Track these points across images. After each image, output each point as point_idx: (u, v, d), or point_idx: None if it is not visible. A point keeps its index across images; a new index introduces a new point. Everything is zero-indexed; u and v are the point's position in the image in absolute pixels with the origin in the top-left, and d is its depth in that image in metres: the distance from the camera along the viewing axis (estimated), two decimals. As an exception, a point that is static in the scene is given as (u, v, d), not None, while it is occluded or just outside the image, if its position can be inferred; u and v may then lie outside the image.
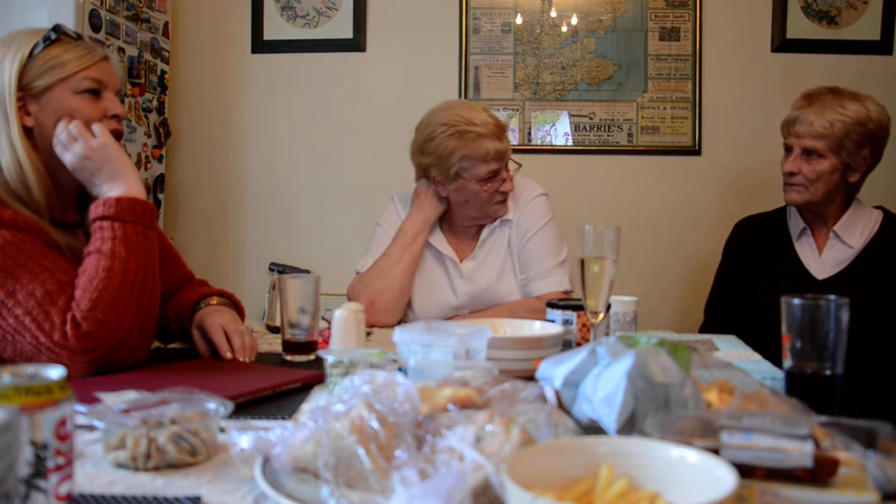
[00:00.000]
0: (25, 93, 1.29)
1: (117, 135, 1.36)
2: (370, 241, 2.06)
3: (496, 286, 1.97)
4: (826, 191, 1.87)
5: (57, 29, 1.32)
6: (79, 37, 1.36)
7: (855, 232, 1.91)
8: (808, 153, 1.86)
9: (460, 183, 1.90)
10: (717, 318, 2.05)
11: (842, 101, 1.84)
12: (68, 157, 1.29)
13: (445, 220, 2.04)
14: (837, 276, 1.89)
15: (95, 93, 1.34)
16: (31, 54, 1.29)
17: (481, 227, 2.01)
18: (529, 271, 1.96)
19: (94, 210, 1.29)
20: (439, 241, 2.00)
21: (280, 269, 2.84)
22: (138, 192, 1.32)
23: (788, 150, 1.92)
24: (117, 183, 1.30)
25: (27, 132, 1.30)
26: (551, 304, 1.48)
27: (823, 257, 1.93)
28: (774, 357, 1.02)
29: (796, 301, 0.95)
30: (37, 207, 1.30)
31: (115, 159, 1.31)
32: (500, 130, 1.90)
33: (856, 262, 1.90)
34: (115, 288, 1.22)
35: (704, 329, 2.06)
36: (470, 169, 1.88)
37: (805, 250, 1.95)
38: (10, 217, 1.23)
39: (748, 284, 2.00)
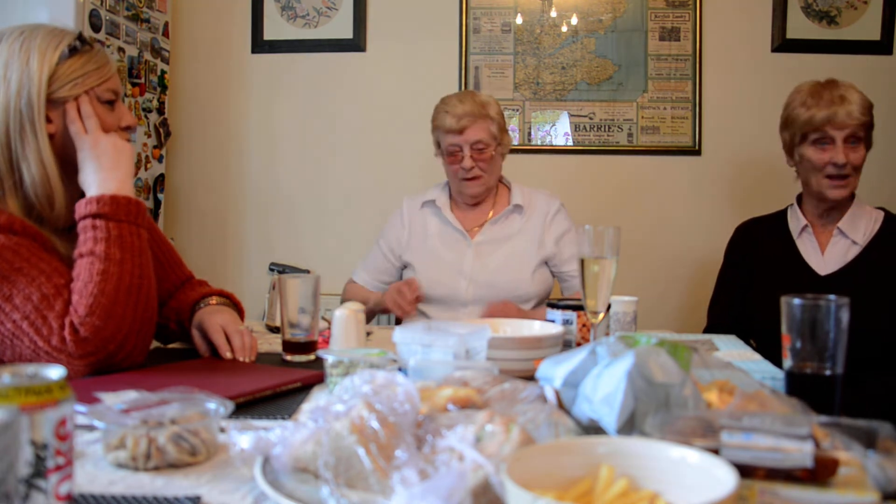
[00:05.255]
0: (48, 100, 1.27)
1: None
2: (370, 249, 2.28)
3: (504, 267, 2.08)
4: (858, 177, 1.91)
5: (81, 38, 1.31)
6: (91, 44, 1.35)
7: (859, 229, 1.93)
8: (851, 141, 1.87)
9: (441, 154, 2.18)
10: (721, 319, 2.05)
11: (848, 89, 1.88)
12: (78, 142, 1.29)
13: (453, 196, 2.23)
14: (840, 272, 1.91)
15: (111, 103, 1.35)
16: (57, 62, 1.27)
17: (486, 209, 2.19)
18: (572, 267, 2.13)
19: (86, 206, 1.26)
20: (447, 211, 2.17)
21: (280, 269, 2.84)
22: (129, 190, 1.31)
23: (824, 141, 1.88)
24: (110, 178, 1.28)
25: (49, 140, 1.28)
26: (551, 304, 1.49)
27: (826, 254, 1.94)
28: (781, 357, 1.02)
29: (796, 301, 0.95)
30: (55, 220, 1.30)
31: (112, 153, 1.29)
32: (468, 117, 2.08)
33: (859, 259, 1.91)
34: (112, 292, 1.21)
35: (708, 331, 2.06)
36: (440, 140, 2.16)
37: (807, 247, 1.96)
38: (6, 221, 1.21)
39: (752, 285, 2.01)
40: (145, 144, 2.66)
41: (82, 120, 1.30)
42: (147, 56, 2.66)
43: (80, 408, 0.85)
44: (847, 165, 1.87)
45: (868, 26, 2.77)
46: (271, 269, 2.90)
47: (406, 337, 1.15)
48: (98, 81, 1.32)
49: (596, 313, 1.30)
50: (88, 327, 1.18)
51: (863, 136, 1.88)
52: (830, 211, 1.95)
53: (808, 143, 1.91)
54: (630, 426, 0.77)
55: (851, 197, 1.96)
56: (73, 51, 1.29)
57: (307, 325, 1.43)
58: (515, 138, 2.88)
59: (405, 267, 2.19)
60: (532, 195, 2.18)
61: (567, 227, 2.16)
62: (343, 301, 2.09)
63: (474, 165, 2.10)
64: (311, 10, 2.92)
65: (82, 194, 1.30)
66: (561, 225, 2.15)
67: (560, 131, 2.88)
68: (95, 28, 2.33)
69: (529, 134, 2.89)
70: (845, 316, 0.93)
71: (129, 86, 2.55)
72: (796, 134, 1.93)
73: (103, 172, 1.28)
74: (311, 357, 1.42)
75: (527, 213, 2.15)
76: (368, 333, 1.66)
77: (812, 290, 0.98)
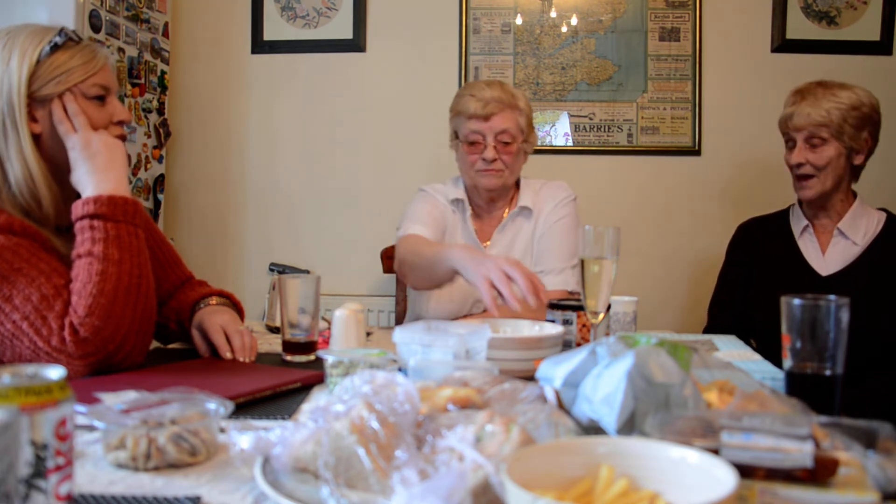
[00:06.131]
0: (32, 99, 1.27)
1: (121, 140, 1.35)
2: (408, 207, 2.04)
3: None
4: (836, 178, 1.90)
5: (63, 33, 1.29)
6: (79, 39, 1.34)
7: (859, 230, 1.93)
8: (812, 142, 1.88)
9: (458, 144, 2.00)
10: (722, 319, 2.06)
11: (832, 90, 1.89)
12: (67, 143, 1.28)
13: (472, 203, 2.06)
14: (841, 273, 1.91)
15: (101, 98, 1.33)
16: (38, 60, 1.26)
17: (500, 215, 2.03)
18: (542, 266, 1.96)
19: (83, 207, 1.25)
20: (468, 218, 2.03)
21: (280, 269, 2.84)
22: (125, 190, 1.30)
23: (791, 143, 1.95)
24: (106, 178, 1.27)
25: (35, 139, 1.27)
26: (551, 305, 1.49)
27: (827, 254, 1.95)
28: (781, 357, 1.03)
29: (796, 301, 0.95)
30: (45, 219, 1.29)
31: (105, 153, 1.28)
32: (496, 103, 1.90)
33: (860, 260, 1.91)
34: (111, 292, 1.20)
35: (708, 331, 2.06)
36: (459, 127, 1.98)
37: (808, 247, 1.97)
38: (6, 221, 1.21)
39: (752, 285, 2.01)
40: (145, 144, 2.66)
41: (70, 119, 1.28)
42: (147, 56, 2.66)
43: (80, 408, 0.85)
44: (806, 165, 1.89)
45: (868, 26, 2.77)
46: (271, 269, 2.91)
47: (406, 337, 1.15)
48: (83, 77, 1.30)
49: (596, 313, 1.30)
50: (88, 328, 1.18)
51: (826, 137, 1.87)
52: (825, 211, 1.96)
53: (785, 143, 1.97)
54: (630, 426, 0.77)
55: (853, 196, 1.97)
56: (54, 47, 1.27)
57: (307, 325, 1.43)
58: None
59: None
60: (542, 192, 2.01)
61: (559, 216, 1.96)
62: (404, 257, 1.84)
63: (497, 157, 1.90)
64: (311, 11, 2.92)
65: (76, 194, 1.30)
66: (555, 214, 1.97)
67: (560, 131, 2.88)
68: (95, 28, 2.33)
69: (529, 134, 2.89)
70: (845, 316, 0.93)
71: (129, 86, 2.55)
72: (783, 134, 1.99)
73: (99, 173, 1.27)
74: (311, 357, 1.42)
75: (535, 214, 1.99)
76: (368, 333, 1.66)
77: (813, 291, 0.98)
